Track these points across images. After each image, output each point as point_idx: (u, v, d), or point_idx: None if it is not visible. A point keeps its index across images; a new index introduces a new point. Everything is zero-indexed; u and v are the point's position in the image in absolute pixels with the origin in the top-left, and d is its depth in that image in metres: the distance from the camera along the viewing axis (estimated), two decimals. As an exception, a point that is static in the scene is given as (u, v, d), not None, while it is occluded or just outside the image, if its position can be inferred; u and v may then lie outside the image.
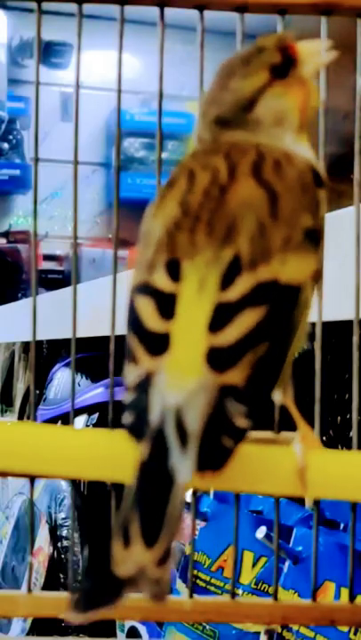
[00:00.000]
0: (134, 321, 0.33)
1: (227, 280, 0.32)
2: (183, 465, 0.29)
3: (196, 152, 0.36)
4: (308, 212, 0.34)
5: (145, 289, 0.33)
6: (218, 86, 0.36)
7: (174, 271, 0.32)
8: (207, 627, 0.72)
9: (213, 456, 0.30)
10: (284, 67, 0.36)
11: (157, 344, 0.32)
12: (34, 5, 0.40)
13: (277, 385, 0.34)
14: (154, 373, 0.31)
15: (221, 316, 0.31)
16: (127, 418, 0.31)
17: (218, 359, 0.31)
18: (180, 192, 0.34)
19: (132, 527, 0.28)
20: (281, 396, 0.35)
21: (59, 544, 1.21)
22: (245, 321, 0.31)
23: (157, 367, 0.31)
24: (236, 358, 0.31)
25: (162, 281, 0.32)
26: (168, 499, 0.29)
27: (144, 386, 0.31)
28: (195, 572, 0.73)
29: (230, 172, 0.34)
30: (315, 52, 0.36)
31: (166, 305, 0.32)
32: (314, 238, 0.34)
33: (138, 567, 0.28)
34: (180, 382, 0.31)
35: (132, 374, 0.32)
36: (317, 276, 0.34)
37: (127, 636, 0.95)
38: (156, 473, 0.29)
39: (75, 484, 0.98)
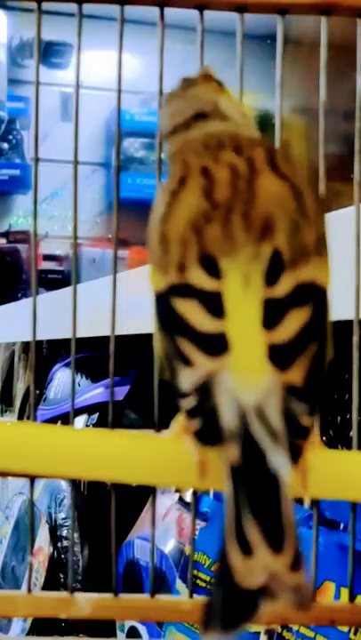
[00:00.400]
0: (179, 324, 0.31)
1: (271, 276, 0.31)
2: (282, 462, 0.28)
3: (189, 150, 0.35)
4: (322, 217, 0.34)
5: (183, 290, 0.32)
6: (172, 103, 0.37)
7: (213, 268, 0.31)
8: (207, 627, 0.71)
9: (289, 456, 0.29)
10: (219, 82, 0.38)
11: (215, 345, 0.31)
12: (34, 5, 0.40)
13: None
14: (215, 374, 0.30)
15: (273, 313, 0.31)
16: (195, 423, 0.30)
17: (279, 357, 0.30)
18: (198, 188, 0.33)
19: (250, 534, 0.27)
20: None
21: (59, 544, 1.21)
22: (297, 318, 0.31)
23: (219, 368, 0.30)
24: (295, 356, 0.31)
25: (202, 279, 0.31)
26: (280, 499, 0.28)
27: (206, 388, 0.30)
28: (195, 571, 0.73)
29: (249, 165, 0.33)
30: None
31: (213, 304, 0.31)
32: (326, 244, 0.34)
33: (269, 575, 0.27)
34: (252, 381, 0.30)
35: (187, 378, 0.31)
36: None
37: (127, 636, 0.95)
38: (258, 475, 0.28)
39: (75, 484, 0.98)
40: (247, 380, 0.30)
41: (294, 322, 0.31)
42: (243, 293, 0.31)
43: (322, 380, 0.32)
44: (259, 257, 0.31)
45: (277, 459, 0.29)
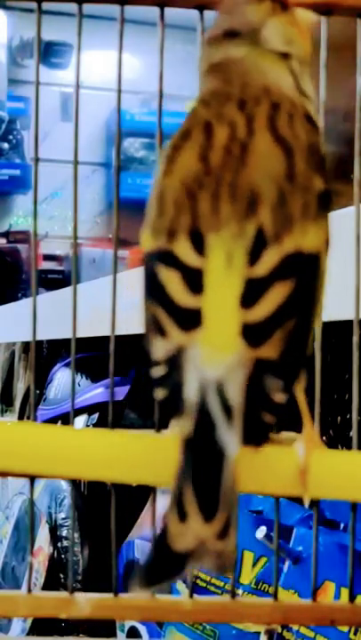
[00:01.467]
0: (159, 293, 0.32)
1: (254, 255, 0.32)
2: (231, 438, 0.29)
3: (205, 98, 0.35)
4: (318, 174, 0.34)
5: (168, 259, 0.32)
6: (222, 15, 0.37)
7: (199, 244, 0.32)
8: (207, 627, 0.72)
9: (255, 432, 0.30)
10: (283, 2, 0.36)
11: (189, 319, 0.31)
12: (34, 5, 0.40)
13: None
14: (186, 348, 0.31)
15: (252, 292, 0.31)
16: (160, 393, 0.32)
17: (253, 335, 0.31)
18: (198, 146, 0.33)
19: (187, 502, 0.29)
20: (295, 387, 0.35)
21: (59, 544, 1.21)
22: (276, 295, 0.31)
23: (190, 342, 0.31)
24: (269, 333, 0.31)
25: (187, 254, 0.32)
26: (221, 472, 0.29)
27: (176, 360, 0.31)
28: (195, 571, 0.73)
29: (248, 125, 0.33)
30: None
31: (194, 279, 0.32)
32: (326, 202, 0.34)
33: (198, 541, 0.28)
34: (218, 357, 0.31)
35: (160, 348, 0.32)
36: (328, 244, 0.34)
37: (127, 636, 0.95)
38: (205, 447, 0.29)
39: (75, 483, 0.98)
40: (214, 355, 0.31)
41: (274, 299, 0.31)
42: (225, 273, 0.32)
43: (303, 353, 0.32)
44: (243, 235, 0.32)
45: (226, 434, 0.29)
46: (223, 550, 0.28)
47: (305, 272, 0.32)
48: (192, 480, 0.29)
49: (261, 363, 0.31)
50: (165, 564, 0.29)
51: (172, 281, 0.32)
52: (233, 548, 0.29)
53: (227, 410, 0.30)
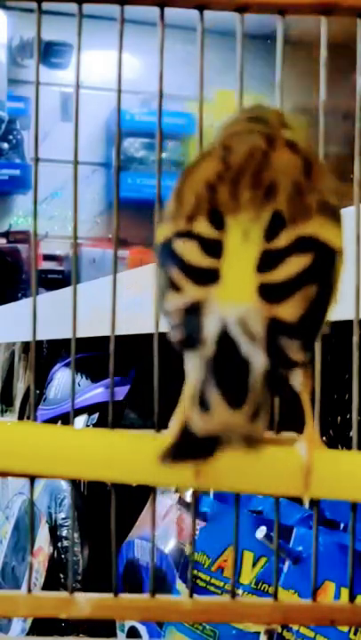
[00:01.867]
0: (175, 259, 0.33)
1: (271, 233, 0.32)
2: (257, 355, 0.30)
3: (226, 136, 0.36)
4: (331, 191, 0.35)
5: (186, 235, 0.33)
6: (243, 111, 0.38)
7: (217, 221, 0.33)
8: (207, 627, 0.72)
9: (271, 385, 0.30)
10: None
11: (205, 276, 0.32)
12: (34, 5, 0.40)
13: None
14: (203, 301, 0.31)
15: (269, 260, 0.32)
16: (176, 335, 0.32)
17: (270, 292, 0.31)
18: (218, 157, 0.34)
19: (211, 397, 0.29)
20: (300, 386, 0.35)
21: (59, 544, 1.21)
22: (295, 263, 0.32)
23: (206, 296, 0.31)
24: (287, 293, 0.31)
25: (205, 228, 0.33)
26: (248, 373, 0.29)
27: (192, 310, 0.31)
28: (195, 571, 0.73)
29: (268, 143, 0.34)
30: None
31: (212, 247, 0.32)
32: (339, 217, 0.35)
33: (224, 426, 0.29)
34: (236, 304, 0.31)
35: (174, 301, 0.32)
36: (342, 253, 0.35)
37: (127, 636, 0.95)
38: (231, 359, 0.30)
39: (75, 484, 0.98)
40: (232, 305, 0.31)
41: (293, 265, 0.32)
42: (242, 245, 0.32)
43: (320, 325, 0.33)
44: (259, 219, 0.32)
45: (251, 350, 0.30)
46: (253, 432, 0.29)
47: (322, 253, 0.33)
48: (216, 381, 0.29)
49: (278, 323, 0.31)
50: (195, 446, 0.29)
51: (188, 249, 0.33)
52: (263, 432, 0.29)
53: (250, 336, 0.30)
